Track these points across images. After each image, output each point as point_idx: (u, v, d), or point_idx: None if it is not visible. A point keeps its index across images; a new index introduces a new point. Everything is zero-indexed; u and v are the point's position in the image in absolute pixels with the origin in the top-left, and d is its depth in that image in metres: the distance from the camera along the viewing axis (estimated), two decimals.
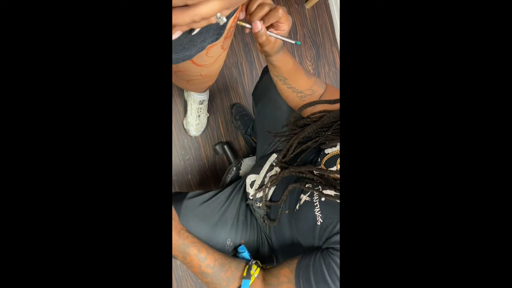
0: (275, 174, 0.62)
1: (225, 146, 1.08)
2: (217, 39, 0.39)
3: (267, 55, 0.52)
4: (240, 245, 0.61)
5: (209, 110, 1.11)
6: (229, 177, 0.79)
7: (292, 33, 1.26)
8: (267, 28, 0.45)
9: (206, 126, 1.11)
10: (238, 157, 1.07)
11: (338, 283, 0.40)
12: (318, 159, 0.58)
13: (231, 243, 0.61)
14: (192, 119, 1.03)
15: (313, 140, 0.59)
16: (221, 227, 0.60)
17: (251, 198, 0.63)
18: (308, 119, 0.62)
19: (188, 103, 1.02)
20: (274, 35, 0.45)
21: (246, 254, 0.58)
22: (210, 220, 0.59)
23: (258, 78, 1.20)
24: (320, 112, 0.61)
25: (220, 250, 0.58)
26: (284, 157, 0.63)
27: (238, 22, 0.43)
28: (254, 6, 0.44)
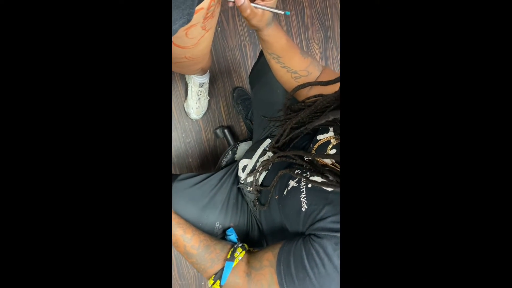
0: (267, 159, 0.61)
1: (226, 130, 1.07)
2: (188, 20, 0.37)
3: (257, 29, 0.50)
4: (229, 227, 0.62)
5: (210, 93, 1.10)
6: (224, 161, 0.79)
7: (299, 15, 1.21)
8: (253, 0, 0.43)
9: (208, 110, 1.10)
10: (234, 144, 1.07)
11: (316, 270, 0.40)
12: (310, 145, 0.57)
13: (220, 226, 0.61)
14: (193, 102, 1.02)
15: (306, 126, 0.58)
16: (211, 210, 0.60)
17: (242, 182, 0.63)
18: (302, 104, 0.60)
19: (188, 86, 1.01)
20: (260, 6, 0.43)
21: (233, 237, 0.58)
22: (199, 202, 0.59)
23: None
24: (315, 96, 0.59)
25: (208, 232, 0.59)
26: (277, 142, 0.61)
27: None
28: None
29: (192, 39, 0.43)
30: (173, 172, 1.08)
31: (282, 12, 0.45)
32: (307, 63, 0.58)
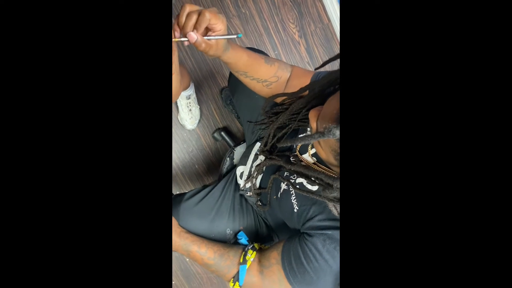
0: (259, 164, 0.66)
1: (222, 133, 1.12)
2: None
3: (216, 57, 0.52)
4: (239, 231, 0.68)
5: (199, 101, 1.13)
6: (224, 168, 0.84)
7: None
8: (205, 33, 0.45)
9: (201, 116, 1.14)
10: (233, 143, 1.11)
11: (311, 265, 0.46)
12: (294, 145, 0.61)
13: (231, 232, 0.68)
14: (185, 114, 1.06)
15: (286, 128, 0.61)
16: (219, 220, 0.67)
17: (242, 189, 0.68)
18: (279, 107, 0.63)
19: (177, 101, 1.05)
20: (212, 37, 0.45)
21: (244, 240, 0.65)
22: (208, 216, 0.66)
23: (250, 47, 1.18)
24: (292, 94, 0.62)
25: (221, 239, 0.66)
26: (265, 145, 0.66)
27: (173, 40, 0.43)
28: (183, 19, 0.43)
29: None
30: (184, 181, 1.15)
31: (235, 36, 0.48)
32: (274, 69, 0.60)
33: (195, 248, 0.58)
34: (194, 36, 0.43)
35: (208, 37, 0.45)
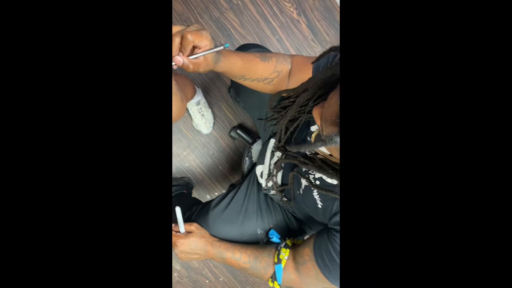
0: (277, 161, 0.65)
1: (238, 131, 1.12)
2: None
3: (209, 71, 0.52)
4: (270, 229, 0.69)
5: (210, 103, 1.14)
6: (245, 167, 0.85)
7: None
8: (192, 51, 0.45)
9: (215, 119, 1.15)
10: (250, 139, 1.11)
11: None
12: (308, 137, 0.59)
13: (262, 231, 0.69)
14: (198, 120, 1.08)
15: (298, 121, 0.59)
16: (248, 222, 0.68)
17: (264, 188, 0.69)
18: (286, 101, 0.61)
19: (188, 109, 1.06)
20: (199, 54, 0.44)
21: (275, 239, 0.66)
22: (237, 221, 0.67)
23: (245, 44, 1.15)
24: (295, 89, 0.59)
25: (254, 241, 0.67)
26: (279, 141, 0.65)
27: None
28: None
29: None
30: (211, 183, 1.18)
31: (222, 48, 0.46)
32: (272, 66, 0.58)
33: (230, 255, 0.60)
34: (180, 59, 0.43)
35: (195, 56, 0.44)
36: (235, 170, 1.20)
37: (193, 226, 0.63)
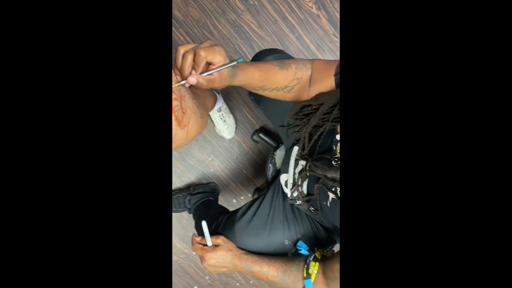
0: (302, 169, 0.63)
1: (261, 134, 1.10)
2: None
3: (225, 86, 0.50)
4: (297, 240, 0.68)
5: (231, 108, 1.13)
6: (269, 175, 0.83)
7: None
8: (206, 67, 0.44)
9: (237, 123, 1.14)
10: (273, 142, 1.09)
11: None
12: (333, 146, 0.56)
13: (290, 242, 0.67)
14: (220, 126, 1.08)
15: (321, 129, 0.57)
16: (275, 233, 0.67)
17: (289, 198, 0.67)
18: (309, 108, 0.58)
19: (210, 115, 1.06)
20: (212, 71, 0.43)
21: (304, 251, 0.64)
22: (263, 232, 0.67)
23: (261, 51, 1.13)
24: (316, 96, 0.57)
25: (281, 252, 0.66)
26: (303, 149, 0.62)
27: (174, 86, 0.43)
28: (179, 62, 0.42)
29: (179, 138, 0.46)
30: (237, 188, 1.18)
31: (235, 63, 0.45)
32: (291, 73, 0.55)
33: (257, 268, 0.60)
34: (193, 79, 0.42)
35: (208, 72, 0.43)
36: (259, 174, 1.19)
37: (220, 239, 0.63)
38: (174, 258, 1.16)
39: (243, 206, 0.74)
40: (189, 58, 0.41)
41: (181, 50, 0.42)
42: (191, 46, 0.42)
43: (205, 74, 0.43)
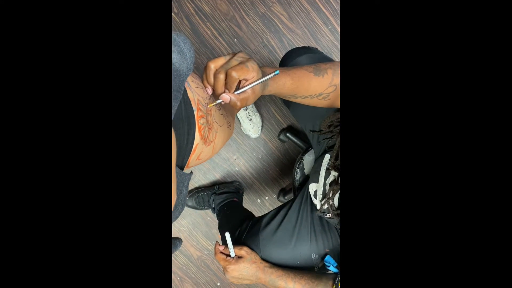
0: (333, 181, 0.58)
1: (288, 134, 1.05)
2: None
3: (260, 96, 0.46)
4: (325, 254, 0.63)
5: (257, 106, 1.09)
6: (296, 180, 0.79)
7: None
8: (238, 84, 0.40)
9: (263, 121, 1.10)
10: (300, 142, 1.03)
11: None
12: None
13: (317, 256, 0.63)
14: (247, 124, 1.04)
15: None
16: (301, 246, 0.63)
17: (319, 210, 0.62)
18: None
19: (236, 114, 1.03)
20: (247, 87, 0.39)
21: (332, 268, 0.60)
22: (288, 244, 0.63)
23: (291, 46, 1.07)
24: None
25: (308, 266, 0.62)
26: (335, 159, 0.57)
27: (208, 106, 0.40)
28: (211, 79, 0.40)
29: (205, 155, 0.44)
30: (261, 188, 1.16)
31: (272, 75, 0.40)
32: (327, 80, 0.50)
33: (282, 284, 0.57)
34: (227, 97, 0.39)
35: (241, 90, 0.39)
36: (285, 174, 1.15)
37: (243, 251, 0.61)
38: (197, 254, 1.18)
39: (268, 213, 0.70)
40: (221, 78, 0.38)
41: (211, 66, 0.39)
42: (221, 61, 0.39)
43: (238, 92, 0.40)
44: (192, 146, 0.37)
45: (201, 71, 1.07)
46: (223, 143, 0.49)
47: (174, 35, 0.33)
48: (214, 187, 1.08)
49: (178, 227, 1.16)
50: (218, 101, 0.40)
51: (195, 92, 0.39)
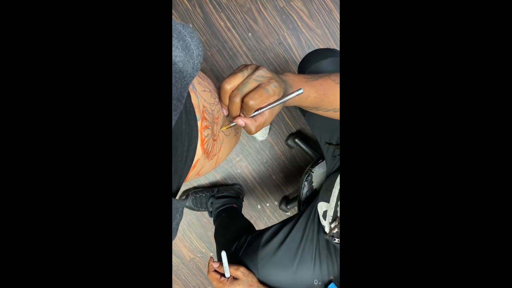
0: None
1: (297, 139, 0.99)
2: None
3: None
4: (330, 282, 0.57)
5: None
6: (303, 194, 0.73)
7: None
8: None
9: (271, 124, 1.03)
10: (309, 150, 0.97)
11: None
12: None
13: (319, 283, 0.58)
14: None
15: None
16: (304, 269, 0.57)
17: (327, 234, 0.56)
18: None
19: None
20: (265, 109, 0.33)
21: None
22: (290, 266, 0.57)
23: (308, 46, 0.99)
24: None
25: None
26: None
27: (221, 129, 0.34)
28: (226, 101, 0.34)
29: (206, 169, 0.37)
30: (263, 193, 1.10)
31: (294, 95, 0.34)
32: None
33: None
34: (242, 122, 0.34)
35: (259, 112, 0.33)
36: (289, 182, 1.08)
37: (240, 272, 0.55)
38: (190, 255, 1.13)
39: (269, 228, 0.64)
40: (237, 102, 0.33)
41: (227, 88, 0.33)
42: (237, 80, 0.33)
43: (255, 113, 0.34)
44: (191, 163, 0.31)
45: (209, 65, 1.00)
46: (228, 154, 0.43)
47: (179, 27, 0.26)
48: (213, 189, 1.02)
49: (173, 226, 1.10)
50: (232, 125, 0.34)
51: (200, 96, 0.33)
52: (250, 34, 1.00)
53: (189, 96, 0.29)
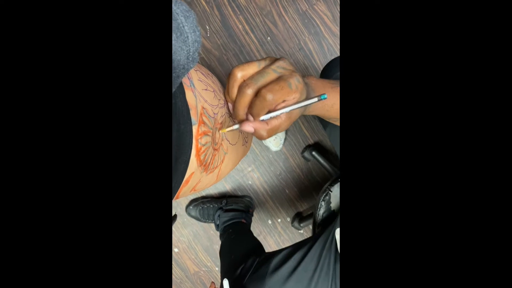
0: None
1: (314, 152, 0.91)
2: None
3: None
4: None
5: None
6: (319, 215, 0.65)
7: None
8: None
9: (287, 134, 0.97)
10: (328, 165, 0.89)
11: None
12: None
13: None
14: None
15: None
16: None
17: None
18: None
19: None
20: (282, 111, 0.26)
21: None
22: None
23: (330, 53, 0.92)
24: None
25: None
26: None
27: (220, 132, 0.27)
28: (234, 92, 0.26)
29: (205, 184, 0.31)
30: (275, 208, 1.02)
31: (316, 100, 0.27)
32: None
33: None
34: (250, 128, 0.26)
35: (274, 114, 0.26)
36: (304, 197, 1.00)
37: None
38: (195, 269, 1.06)
39: (280, 252, 0.57)
40: (248, 94, 0.25)
41: (238, 75, 0.26)
42: (253, 69, 0.26)
43: (267, 116, 0.26)
44: (182, 178, 0.24)
45: (225, 69, 0.96)
46: (233, 167, 0.36)
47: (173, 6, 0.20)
48: (221, 200, 0.95)
49: (178, 236, 1.05)
50: (235, 127, 0.27)
51: (200, 96, 0.26)
52: (269, 38, 0.94)
53: (183, 94, 0.23)
